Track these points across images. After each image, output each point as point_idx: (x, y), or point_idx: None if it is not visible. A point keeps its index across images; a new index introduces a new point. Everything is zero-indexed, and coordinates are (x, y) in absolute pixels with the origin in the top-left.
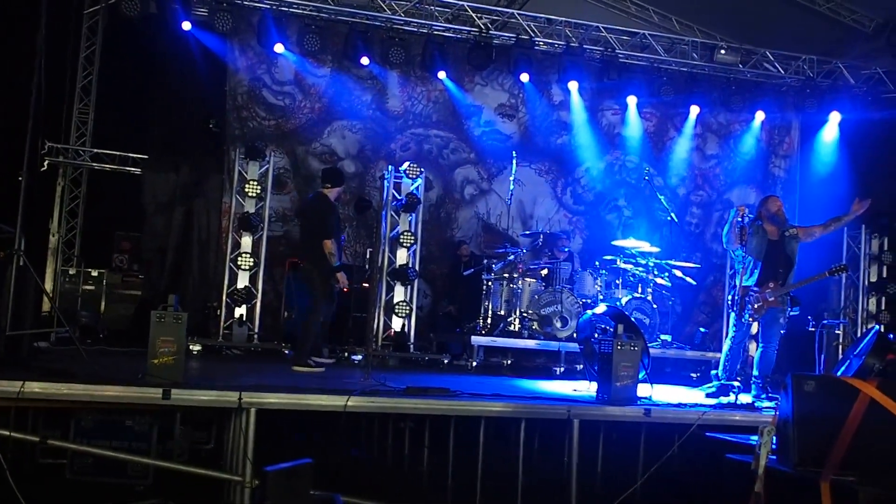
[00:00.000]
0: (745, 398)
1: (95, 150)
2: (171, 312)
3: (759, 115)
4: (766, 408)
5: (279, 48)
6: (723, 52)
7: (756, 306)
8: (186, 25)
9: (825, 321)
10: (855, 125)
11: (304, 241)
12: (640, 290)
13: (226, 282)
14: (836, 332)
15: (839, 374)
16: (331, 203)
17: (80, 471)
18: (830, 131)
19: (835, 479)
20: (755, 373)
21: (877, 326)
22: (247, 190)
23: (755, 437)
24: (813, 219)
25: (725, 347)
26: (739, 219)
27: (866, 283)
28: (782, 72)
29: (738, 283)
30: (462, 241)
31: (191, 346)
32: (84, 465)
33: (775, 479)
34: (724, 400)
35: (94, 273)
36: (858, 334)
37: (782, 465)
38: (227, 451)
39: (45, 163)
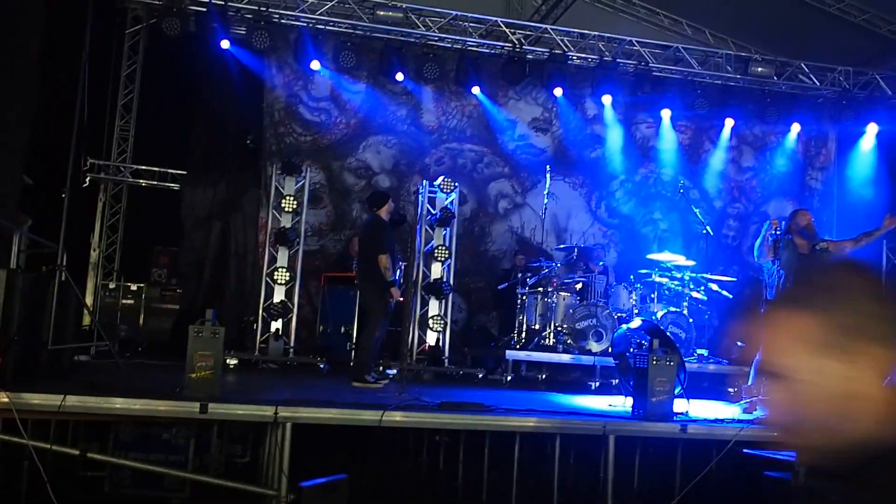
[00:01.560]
0: None
1: (136, 167)
2: (208, 327)
3: (795, 127)
4: None
5: (315, 65)
6: (757, 65)
7: None
8: (225, 44)
9: None
10: (893, 136)
11: (359, 263)
12: (676, 303)
13: (262, 296)
14: None
15: None
16: (383, 222)
17: (118, 483)
18: (868, 143)
19: None
20: None
21: None
22: (283, 205)
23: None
24: (850, 232)
25: (755, 361)
26: (773, 232)
27: None
28: (818, 83)
29: (766, 297)
30: (517, 252)
31: (227, 360)
32: (122, 477)
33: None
34: (760, 415)
35: (134, 287)
36: None
37: None
38: (263, 465)
39: (87, 179)
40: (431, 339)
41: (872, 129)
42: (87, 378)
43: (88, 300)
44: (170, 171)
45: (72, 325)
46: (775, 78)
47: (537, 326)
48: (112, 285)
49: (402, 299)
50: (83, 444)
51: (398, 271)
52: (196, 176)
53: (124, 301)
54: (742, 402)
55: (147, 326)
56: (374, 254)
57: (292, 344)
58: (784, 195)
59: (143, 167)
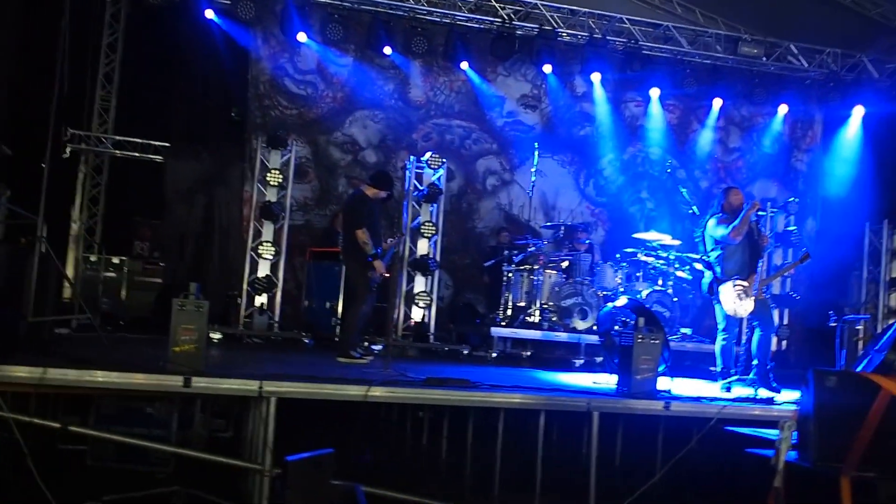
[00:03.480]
0: (764, 392)
1: (117, 138)
2: (192, 300)
3: (783, 109)
4: (786, 402)
5: (302, 37)
6: (747, 45)
7: (749, 300)
8: (209, 13)
9: (846, 316)
10: (879, 119)
11: (343, 237)
12: (660, 282)
13: (246, 270)
14: (857, 327)
15: (860, 369)
16: (365, 197)
17: (100, 457)
18: (854, 126)
19: (855, 476)
20: (755, 360)
21: None
22: (268, 179)
23: (775, 432)
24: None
25: (720, 344)
26: (754, 214)
27: (888, 278)
28: (806, 65)
29: (717, 276)
30: (503, 229)
31: (211, 335)
32: (104, 451)
33: (795, 475)
34: (743, 393)
35: (115, 260)
36: (879, 330)
37: (802, 461)
38: (247, 439)
39: (68, 150)
40: (417, 315)
41: (859, 111)
42: (68, 351)
43: (69, 273)
44: (152, 142)
45: (52, 297)
46: (764, 59)
47: (523, 304)
48: (93, 258)
49: (387, 275)
50: (64, 418)
51: (391, 248)
52: (179, 148)
53: (106, 274)
54: (724, 381)
55: (129, 300)
56: (353, 227)
57: (277, 319)
58: (769, 176)
59: (125, 138)
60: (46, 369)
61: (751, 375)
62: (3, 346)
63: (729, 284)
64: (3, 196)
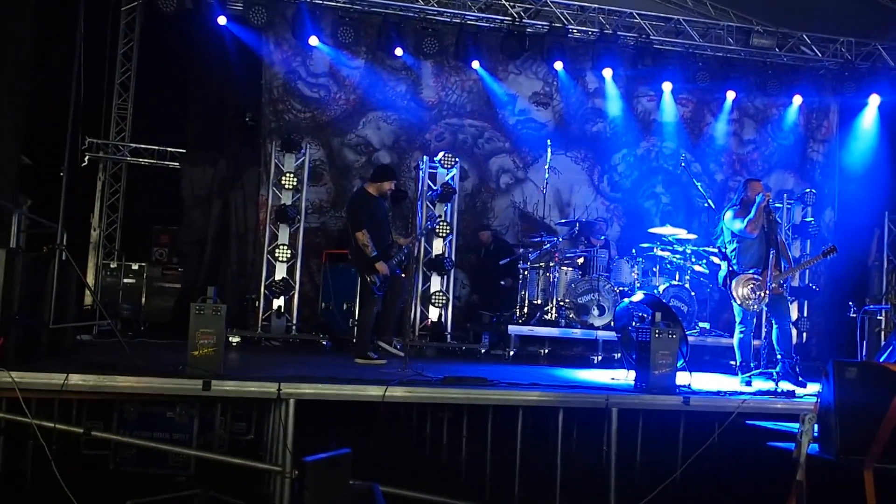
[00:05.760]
0: (785, 385)
1: (134, 145)
2: (210, 304)
3: (797, 99)
4: (808, 395)
5: (313, 41)
6: (758, 36)
7: (762, 294)
8: (222, 20)
9: (867, 307)
10: (895, 108)
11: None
12: (677, 277)
13: (263, 274)
14: (879, 317)
15: (882, 360)
16: (363, 196)
17: (122, 461)
18: (870, 115)
19: (878, 468)
20: (779, 354)
21: None
22: (283, 182)
23: (796, 425)
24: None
25: (737, 338)
26: (765, 204)
27: None
28: (820, 55)
29: (733, 269)
30: (486, 227)
31: (230, 338)
32: (127, 456)
33: (817, 468)
34: (763, 387)
35: (135, 266)
36: None
37: (824, 454)
38: (267, 441)
39: (86, 158)
40: (434, 314)
41: (875, 100)
42: (89, 357)
43: (90, 280)
44: (169, 149)
45: (73, 304)
46: (777, 50)
47: (539, 301)
48: (113, 265)
49: (403, 275)
50: (87, 423)
51: (405, 248)
52: (195, 154)
53: (126, 280)
54: (744, 375)
55: (149, 305)
56: (353, 229)
57: (294, 321)
58: (785, 168)
59: (142, 146)
60: (69, 375)
61: (776, 370)
62: (27, 353)
63: (742, 278)
64: (23, 205)
